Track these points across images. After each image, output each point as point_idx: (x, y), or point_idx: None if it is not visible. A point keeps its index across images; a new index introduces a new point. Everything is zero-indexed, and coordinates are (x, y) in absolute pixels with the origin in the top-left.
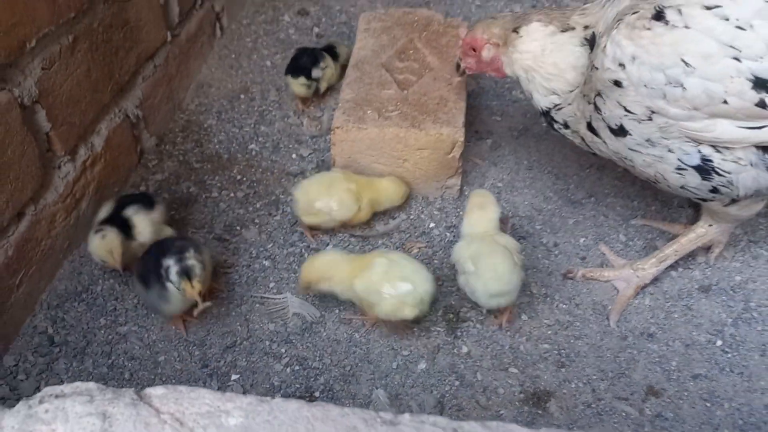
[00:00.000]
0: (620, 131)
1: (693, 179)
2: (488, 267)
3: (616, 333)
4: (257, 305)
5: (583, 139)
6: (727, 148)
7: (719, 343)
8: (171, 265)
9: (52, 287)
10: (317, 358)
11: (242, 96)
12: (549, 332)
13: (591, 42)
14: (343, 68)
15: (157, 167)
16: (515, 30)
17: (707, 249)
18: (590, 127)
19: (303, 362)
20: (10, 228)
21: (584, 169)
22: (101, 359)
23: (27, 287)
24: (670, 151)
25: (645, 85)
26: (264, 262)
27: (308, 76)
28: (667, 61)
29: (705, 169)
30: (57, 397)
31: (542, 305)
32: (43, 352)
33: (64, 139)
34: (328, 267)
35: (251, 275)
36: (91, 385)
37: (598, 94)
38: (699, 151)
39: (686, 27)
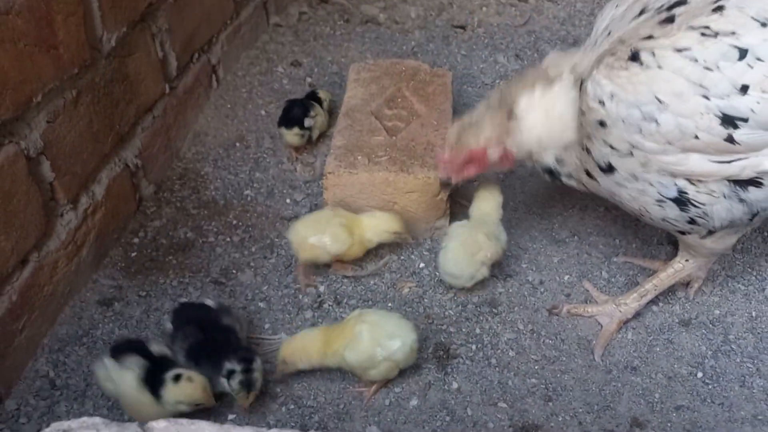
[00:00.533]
0: (608, 168)
1: (672, 211)
2: (450, 249)
3: (601, 367)
4: (253, 346)
5: (585, 186)
6: (700, 180)
7: (700, 375)
8: (236, 371)
9: (54, 332)
10: (311, 397)
11: (238, 144)
12: (536, 367)
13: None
14: (328, 112)
15: (155, 214)
16: (509, 117)
17: (687, 284)
18: (588, 173)
19: (298, 401)
20: (15, 274)
21: (567, 209)
22: (101, 401)
23: (29, 332)
24: (650, 184)
25: (623, 121)
26: (259, 303)
27: (301, 126)
28: (642, 98)
29: (682, 200)
30: (64, 431)
31: (529, 341)
32: (44, 396)
33: (67, 188)
34: (304, 346)
35: (247, 317)
36: (97, 419)
37: (588, 137)
38: (675, 184)
39: (659, 67)
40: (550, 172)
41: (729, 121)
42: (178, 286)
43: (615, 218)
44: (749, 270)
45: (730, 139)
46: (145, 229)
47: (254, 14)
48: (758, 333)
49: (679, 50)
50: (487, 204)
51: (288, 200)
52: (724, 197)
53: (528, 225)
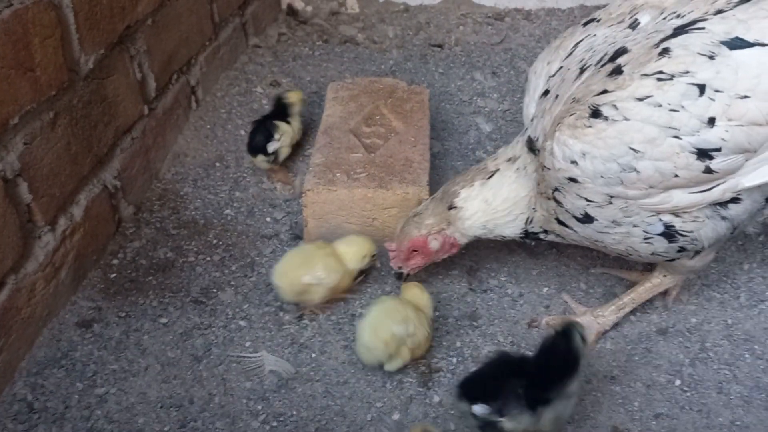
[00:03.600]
0: (586, 219)
1: (661, 245)
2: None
3: (581, 377)
4: (234, 364)
5: (560, 235)
6: (685, 212)
7: (678, 382)
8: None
9: (32, 355)
10: (293, 414)
11: (217, 164)
12: None
13: (531, 147)
14: (300, 115)
15: (134, 235)
16: (450, 208)
17: (664, 293)
18: (558, 221)
19: (279, 418)
20: None
21: None
22: (80, 423)
23: (6, 355)
24: (635, 226)
25: (601, 176)
26: (240, 322)
27: (265, 153)
28: (616, 151)
29: (669, 234)
30: None
31: None
32: (22, 419)
33: (45, 210)
34: None
35: (228, 335)
36: None
37: (556, 189)
38: (660, 220)
39: (626, 119)
40: (527, 235)
41: (704, 154)
42: (158, 306)
43: None
44: (724, 279)
45: (708, 170)
46: (124, 250)
47: (233, 35)
48: (734, 340)
49: (640, 99)
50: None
51: (268, 219)
52: (708, 219)
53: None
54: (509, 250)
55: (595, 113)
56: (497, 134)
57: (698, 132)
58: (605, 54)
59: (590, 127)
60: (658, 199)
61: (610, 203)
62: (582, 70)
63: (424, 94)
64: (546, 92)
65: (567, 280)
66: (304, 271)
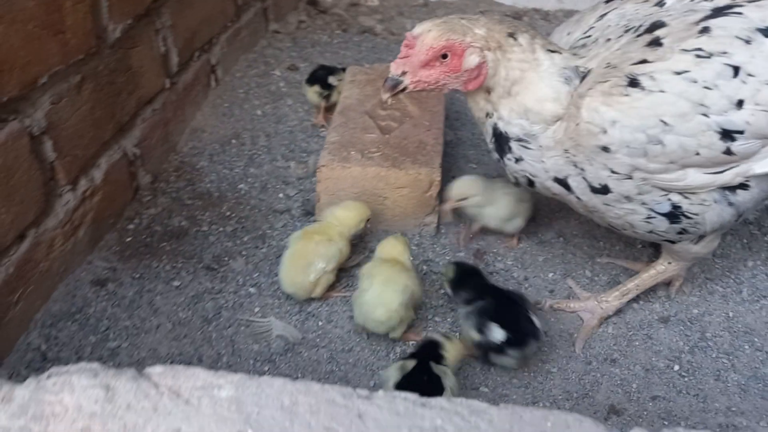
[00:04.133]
0: (603, 190)
1: (661, 224)
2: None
3: (581, 358)
4: (242, 327)
5: (531, 183)
6: (693, 193)
7: (677, 368)
8: None
9: (47, 308)
10: (299, 377)
11: (233, 141)
12: None
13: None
14: None
15: (150, 202)
16: (511, 35)
17: (668, 284)
18: (558, 181)
19: None
20: (12, 248)
21: (554, 213)
22: None
23: (23, 306)
24: (643, 204)
25: (627, 146)
26: (250, 289)
27: (322, 86)
28: (647, 122)
29: (674, 214)
30: (63, 373)
31: None
32: (35, 367)
33: (67, 169)
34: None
35: (237, 300)
36: (95, 364)
37: (583, 156)
38: (669, 200)
39: (662, 91)
40: (502, 139)
41: (727, 135)
42: (171, 270)
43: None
44: (727, 273)
45: (728, 152)
46: (140, 216)
47: (254, 20)
48: (734, 332)
49: (678, 72)
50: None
51: (281, 195)
52: (715, 203)
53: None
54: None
55: (633, 82)
56: None
57: (726, 112)
58: (641, 25)
59: (627, 95)
60: (674, 176)
61: (630, 177)
62: (626, 31)
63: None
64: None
65: (572, 267)
66: (307, 271)
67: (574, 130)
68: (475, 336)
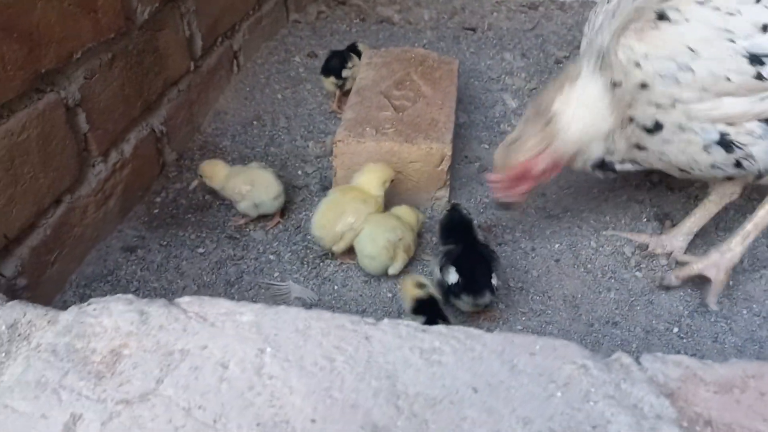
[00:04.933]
0: (655, 127)
1: (719, 155)
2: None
3: (584, 320)
4: (263, 290)
5: (639, 162)
6: (737, 122)
7: (676, 330)
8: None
9: (81, 270)
10: None
11: (254, 123)
12: (523, 318)
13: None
14: None
15: (176, 178)
16: (547, 124)
17: (669, 254)
18: (638, 146)
19: None
20: (49, 211)
21: (562, 190)
22: None
23: (59, 266)
24: (695, 132)
25: (660, 75)
26: (270, 256)
27: (337, 76)
28: (675, 50)
29: (725, 142)
30: (102, 302)
31: (518, 296)
32: None
33: (99, 141)
34: None
35: (258, 266)
36: (130, 296)
37: (629, 106)
38: (716, 129)
39: (686, 20)
40: (603, 165)
41: (756, 59)
42: (196, 239)
43: (607, 198)
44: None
45: (759, 77)
46: (166, 191)
47: (275, 9)
48: (733, 299)
49: (701, 2)
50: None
51: (299, 172)
52: (761, 138)
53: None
54: (523, 212)
55: (661, 16)
56: (522, 110)
57: (751, 36)
58: None
59: (656, 29)
60: (710, 105)
61: (674, 106)
62: None
63: (454, 64)
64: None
65: (578, 239)
66: (337, 221)
67: (615, 91)
68: (437, 274)
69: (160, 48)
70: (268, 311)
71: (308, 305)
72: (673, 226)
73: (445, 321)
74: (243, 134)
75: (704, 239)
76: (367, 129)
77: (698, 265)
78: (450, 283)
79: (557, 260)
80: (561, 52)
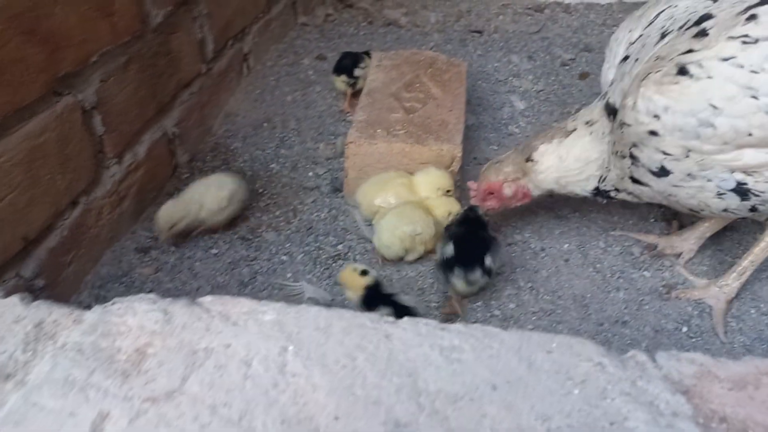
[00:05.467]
0: (662, 172)
1: (733, 201)
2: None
3: (593, 320)
4: (276, 291)
5: (632, 193)
6: (756, 171)
7: (685, 329)
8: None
9: (96, 271)
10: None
11: (265, 124)
12: (533, 318)
13: (609, 110)
14: None
15: (188, 179)
16: (528, 160)
17: (678, 255)
18: (633, 180)
19: None
20: (66, 212)
21: None
22: None
23: (75, 267)
24: (708, 180)
25: (680, 130)
26: (282, 257)
27: (349, 75)
28: (697, 107)
29: (742, 191)
30: (126, 301)
31: (528, 296)
32: None
33: (114, 143)
34: None
35: (271, 267)
36: (152, 295)
37: (634, 145)
38: (734, 177)
39: (709, 77)
40: (599, 193)
41: None
42: (209, 240)
43: None
44: (737, 245)
45: None
46: (179, 192)
47: (283, 12)
48: (741, 298)
49: (725, 59)
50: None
51: (310, 173)
52: None
53: (532, 202)
54: (533, 212)
55: (682, 71)
56: (530, 112)
57: None
58: (688, 20)
59: (676, 83)
60: (731, 156)
61: (687, 156)
62: (663, 36)
63: (462, 67)
64: (626, 58)
65: (587, 239)
66: (378, 195)
67: (622, 130)
68: (438, 251)
69: (173, 50)
70: (289, 310)
71: (323, 306)
72: (681, 227)
73: (403, 308)
74: (254, 136)
75: (713, 241)
76: (378, 130)
77: (698, 293)
78: (445, 257)
79: (566, 260)
80: (567, 55)
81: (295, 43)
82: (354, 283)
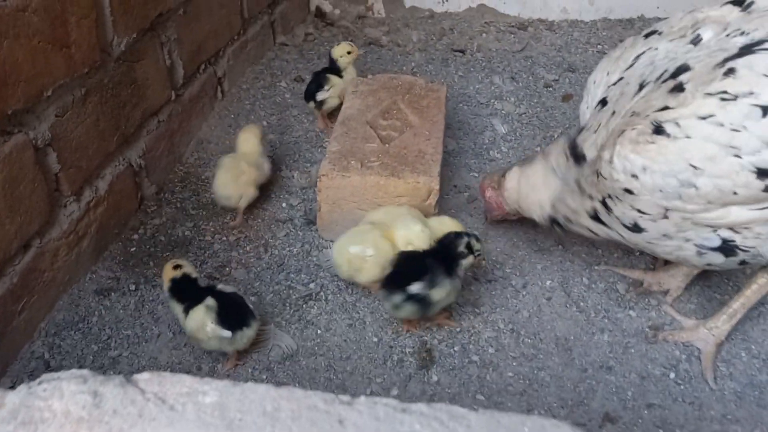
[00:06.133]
0: (635, 228)
1: (716, 258)
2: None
3: (577, 365)
4: None
5: (589, 229)
6: (745, 228)
7: (673, 375)
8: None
9: (51, 317)
10: (296, 385)
11: None
12: (514, 363)
13: (572, 152)
14: (354, 65)
15: (155, 213)
16: (503, 175)
17: (665, 292)
18: (596, 219)
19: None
20: (17, 257)
21: None
22: None
23: (28, 315)
24: (687, 240)
25: (660, 190)
26: (251, 298)
27: (315, 100)
28: (676, 167)
29: (728, 248)
30: (54, 380)
31: (509, 339)
32: (38, 376)
33: (71, 180)
34: None
35: None
36: (85, 371)
37: (608, 197)
38: (718, 235)
39: (687, 137)
40: (552, 221)
41: (764, 173)
42: None
43: None
44: (725, 281)
45: (767, 189)
46: (144, 227)
47: (261, 32)
48: (731, 339)
49: (702, 117)
50: (248, 144)
51: (284, 204)
52: None
53: (514, 234)
54: (515, 245)
55: (658, 130)
56: (512, 136)
57: (758, 152)
58: (665, 70)
59: (653, 143)
60: (716, 214)
61: (665, 217)
62: (641, 86)
63: (441, 91)
64: (603, 101)
65: (570, 275)
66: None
67: (598, 180)
68: None
69: (138, 79)
70: (233, 390)
71: (288, 354)
72: (667, 262)
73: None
74: None
75: (701, 277)
76: (352, 162)
77: (686, 335)
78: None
79: (549, 298)
80: (550, 75)
81: (272, 64)
82: (165, 276)
